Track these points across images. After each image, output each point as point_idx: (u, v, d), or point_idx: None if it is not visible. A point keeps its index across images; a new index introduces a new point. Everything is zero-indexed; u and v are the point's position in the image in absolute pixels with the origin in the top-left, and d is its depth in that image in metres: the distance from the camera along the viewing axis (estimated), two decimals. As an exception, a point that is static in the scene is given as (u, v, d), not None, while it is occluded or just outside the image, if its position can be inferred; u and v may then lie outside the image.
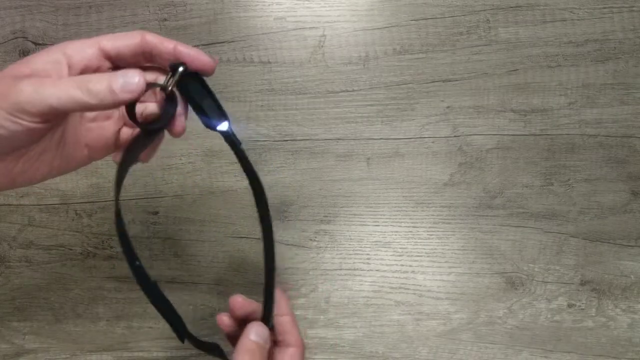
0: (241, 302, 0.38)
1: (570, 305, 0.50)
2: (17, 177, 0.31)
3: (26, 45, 0.52)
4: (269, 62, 0.51)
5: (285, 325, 0.37)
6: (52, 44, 0.52)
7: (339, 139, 0.51)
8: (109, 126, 0.34)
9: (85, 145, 0.34)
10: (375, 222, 0.51)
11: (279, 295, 0.38)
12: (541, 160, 0.50)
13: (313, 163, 0.51)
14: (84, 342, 0.51)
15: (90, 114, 0.34)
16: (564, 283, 0.50)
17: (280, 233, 0.51)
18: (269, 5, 0.51)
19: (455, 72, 0.51)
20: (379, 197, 0.51)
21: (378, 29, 0.51)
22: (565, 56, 0.50)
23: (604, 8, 0.50)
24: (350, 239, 0.51)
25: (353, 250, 0.51)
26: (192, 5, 0.52)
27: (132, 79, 0.28)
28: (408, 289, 0.50)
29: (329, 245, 0.51)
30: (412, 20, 0.51)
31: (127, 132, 0.35)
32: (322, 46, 0.51)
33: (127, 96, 0.28)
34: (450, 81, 0.51)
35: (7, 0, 0.53)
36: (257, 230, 0.51)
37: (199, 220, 0.51)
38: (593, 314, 0.49)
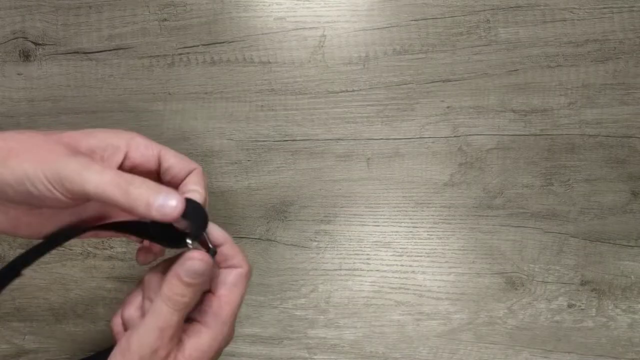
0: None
1: (570, 306, 0.50)
2: (21, 227, 0.31)
3: (26, 46, 0.52)
4: (269, 62, 0.51)
5: (226, 254, 0.32)
6: (53, 44, 0.52)
7: (339, 139, 0.51)
8: None
9: (101, 205, 0.33)
10: (376, 222, 0.51)
11: (211, 227, 0.32)
12: (541, 161, 0.50)
13: (313, 163, 0.51)
14: (84, 343, 0.51)
15: None
16: (564, 283, 0.50)
17: (280, 233, 0.51)
18: (269, 5, 0.51)
19: (455, 72, 0.51)
20: (379, 197, 0.51)
21: (378, 29, 0.51)
22: (565, 56, 0.50)
23: (604, 8, 0.50)
24: (350, 239, 0.51)
25: (353, 250, 0.51)
26: (192, 6, 0.52)
27: (171, 202, 0.28)
28: (408, 289, 0.50)
29: (329, 246, 0.51)
30: (412, 21, 0.51)
31: None
32: (322, 46, 0.51)
33: (158, 216, 0.28)
34: (450, 81, 0.51)
35: (7, 0, 0.53)
36: (257, 231, 0.51)
37: (199, 221, 0.51)
38: (593, 314, 0.49)
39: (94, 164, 0.28)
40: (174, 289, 0.29)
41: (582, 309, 0.49)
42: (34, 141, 0.29)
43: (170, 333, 0.29)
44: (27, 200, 0.28)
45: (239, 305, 0.32)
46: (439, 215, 0.50)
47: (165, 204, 0.27)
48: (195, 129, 0.52)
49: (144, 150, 0.31)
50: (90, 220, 0.33)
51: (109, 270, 0.51)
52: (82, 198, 0.28)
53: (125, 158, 0.31)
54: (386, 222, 0.51)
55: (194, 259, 0.29)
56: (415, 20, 0.51)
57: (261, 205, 0.51)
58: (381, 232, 0.50)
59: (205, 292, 0.32)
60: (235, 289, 0.31)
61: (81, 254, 0.51)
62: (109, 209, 0.34)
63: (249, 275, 0.32)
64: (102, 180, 0.27)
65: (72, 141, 0.30)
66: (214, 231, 0.32)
